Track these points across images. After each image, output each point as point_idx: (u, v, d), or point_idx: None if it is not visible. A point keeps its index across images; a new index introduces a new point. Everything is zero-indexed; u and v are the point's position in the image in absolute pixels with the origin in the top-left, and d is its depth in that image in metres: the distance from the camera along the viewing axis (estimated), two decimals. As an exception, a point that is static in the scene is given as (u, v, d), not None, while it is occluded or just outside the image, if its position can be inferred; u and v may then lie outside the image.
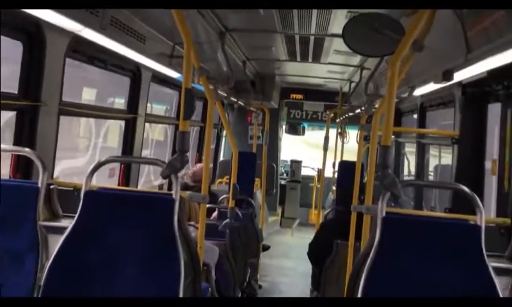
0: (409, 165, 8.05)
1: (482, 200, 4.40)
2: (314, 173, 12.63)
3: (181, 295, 2.35)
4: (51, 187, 3.06)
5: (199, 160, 8.02)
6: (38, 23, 2.99)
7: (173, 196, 2.45)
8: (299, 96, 11.27)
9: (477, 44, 2.96)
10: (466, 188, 2.52)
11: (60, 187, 3.27)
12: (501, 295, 2.31)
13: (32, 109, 3.21)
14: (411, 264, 2.38)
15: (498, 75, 3.53)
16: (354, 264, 2.86)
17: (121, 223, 2.47)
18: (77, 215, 2.44)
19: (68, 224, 2.49)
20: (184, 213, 2.64)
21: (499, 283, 2.36)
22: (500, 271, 2.58)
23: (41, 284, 2.40)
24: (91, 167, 2.53)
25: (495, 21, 2.60)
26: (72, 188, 3.41)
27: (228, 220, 4.57)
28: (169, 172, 2.44)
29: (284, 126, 12.85)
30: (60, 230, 2.57)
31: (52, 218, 3.04)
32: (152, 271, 2.41)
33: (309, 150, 17.88)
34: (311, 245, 5.06)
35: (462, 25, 3.02)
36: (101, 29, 3.11)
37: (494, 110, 4.25)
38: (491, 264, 2.38)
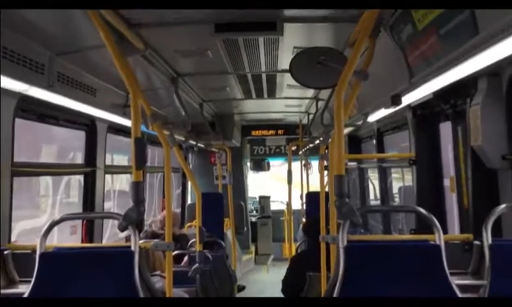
0: (375, 190, 8.15)
1: (444, 218, 4.50)
2: (284, 207, 12.65)
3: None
4: (5, 252, 2.96)
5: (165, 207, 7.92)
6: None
7: (132, 248, 2.41)
8: (261, 132, 11.35)
9: (418, 68, 3.06)
10: (422, 210, 2.56)
11: (17, 251, 3.17)
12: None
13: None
14: (376, 289, 2.39)
15: (443, 95, 3.65)
16: (324, 295, 2.85)
17: (80, 282, 2.41)
18: (33, 280, 2.37)
19: (25, 289, 2.41)
20: (144, 264, 2.58)
21: (464, 299, 2.38)
22: (465, 288, 2.60)
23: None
24: (45, 227, 2.47)
25: (432, 45, 2.70)
26: (30, 251, 3.31)
27: (197, 264, 4.49)
28: (126, 224, 2.41)
29: (249, 164, 12.88)
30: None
31: (8, 285, 2.94)
32: (116, 328, 2.34)
33: (278, 184, 17.93)
34: (284, 281, 5.02)
35: (402, 51, 3.13)
36: (48, 86, 3.08)
37: (446, 129, 4.36)
38: (455, 281, 2.41)
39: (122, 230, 2.47)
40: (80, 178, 4.99)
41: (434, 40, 2.59)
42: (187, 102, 5.64)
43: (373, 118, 4.86)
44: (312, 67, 3.33)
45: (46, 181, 5.49)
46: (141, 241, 4.30)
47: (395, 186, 6.73)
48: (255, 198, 13.25)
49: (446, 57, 2.58)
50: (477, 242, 3.34)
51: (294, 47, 3.91)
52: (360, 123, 4.97)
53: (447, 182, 4.52)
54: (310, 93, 6.48)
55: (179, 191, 9.24)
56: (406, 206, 4.90)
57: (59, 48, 3.11)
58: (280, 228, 12.29)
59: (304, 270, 4.59)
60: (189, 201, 9.58)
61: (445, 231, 4.29)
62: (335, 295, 2.39)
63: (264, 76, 5.33)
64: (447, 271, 2.36)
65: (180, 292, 4.10)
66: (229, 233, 8.49)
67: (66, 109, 3.78)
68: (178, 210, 8.56)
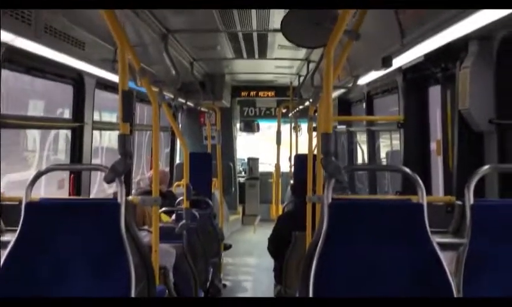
0: (363, 154, 8.21)
1: (429, 180, 4.56)
2: (272, 169, 12.71)
3: (133, 299, 2.32)
4: (-9, 202, 2.97)
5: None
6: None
7: (119, 200, 2.42)
8: (251, 93, 11.30)
9: (410, 29, 3.04)
10: (407, 169, 2.59)
11: (4, 202, 3.18)
12: (446, 269, 2.38)
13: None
14: (359, 246, 2.43)
15: (434, 59, 3.64)
16: (306, 252, 2.90)
17: (66, 233, 2.42)
18: (19, 228, 2.38)
19: (11, 238, 2.42)
20: (131, 217, 2.60)
21: (444, 257, 2.44)
22: (445, 246, 2.65)
23: None
24: (31, 177, 2.47)
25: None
26: (17, 202, 3.31)
27: (183, 221, 4.54)
28: (113, 176, 2.41)
29: (238, 125, 12.87)
30: (4, 245, 2.50)
31: (-5, 234, 2.96)
32: (102, 278, 2.38)
33: (268, 145, 17.97)
34: (270, 239, 5.09)
35: (395, 11, 3.10)
36: (35, 38, 3.03)
37: (435, 93, 4.38)
38: (436, 240, 2.46)
39: (108, 182, 2.48)
40: (68, 133, 4.97)
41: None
42: (177, 60, 5.59)
43: (363, 80, 4.86)
44: (304, 26, 3.30)
45: (33, 136, 5.45)
46: (130, 197, 4.33)
47: (383, 151, 6.79)
48: (244, 159, 13.30)
49: (438, 17, 2.57)
50: (459, 202, 3.40)
51: (286, 5, 3.86)
52: (350, 85, 4.96)
53: (433, 146, 4.56)
54: (302, 54, 6.44)
55: (168, 150, 9.23)
56: (392, 165, 4.95)
57: (47, -1, 3.05)
58: (268, 190, 12.37)
59: (289, 230, 4.66)
60: (177, 161, 9.61)
61: (430, 194, 4.36)
62: (317, 253, 2.42)
63: (255, 35, 5.28)
64: (428, 229, 2.41)
65: (167, 247, 4.16)
66: (217, 193, 8.54)
67: (53, 62, 3.72)
68: (167, 169, 8.58)
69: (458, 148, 3.49)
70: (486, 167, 2.54)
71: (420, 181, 2.48)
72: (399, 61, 3.68)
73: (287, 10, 3.93)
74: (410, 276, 2.38)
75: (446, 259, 2.46)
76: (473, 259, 2.37)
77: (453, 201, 3.50)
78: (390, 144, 6.57)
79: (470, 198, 2.40)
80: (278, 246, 4.93)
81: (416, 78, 4.38)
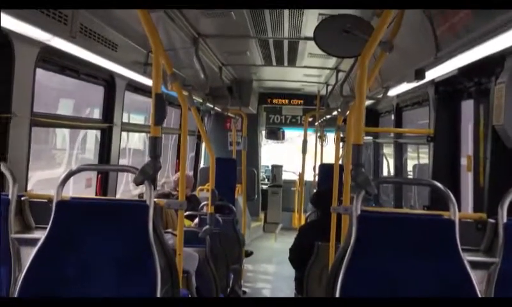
0: (389, 166, 8.12)
1: (459, 196, 4.48)
2: (296, 177, 12.67)
3: (158, 302, 2.32)
4: (22, 198, 3.01)
5: (179, 168, 7.97)
6: (5, 33, 2.95)
7: (147, 202, 2.43)
8: (278, 101, 11.30)
9: (446, 42, 2.99)
10: (439, 184, 2.54)
11: (33, 199, 3.22)
12: (477, 288, 2.33)
13: (2, 120, 3.16)
14: (387, 260, 2.39)
15: (468, 72, 3.58)
16: (332, 264, 2.87)
17: (94, 233, 2.44)
18: (49, 226, 2.40)
19: (41, 235, 2.45)
20: (159, 220, 2.61)
21: (475, 276, 2.39)
22: (475, 264, 2.60)
23: (15, 296, 2.36)
24: (62, 176, 2.50)
25: (462, 18, 2.64)
26: (46, 200, 3.35)
27: (207, 226, 4.54)
28: (142, 178, 2.42)
29: (264, 132, 12.87)
30: (33, 242, 2.53)
31: (25, 230, 2.99)
32: (128, 280, 2.38)
33: (294, 154, 17.95)
34: (291, 250, 5.05)
35: (431, 23, 3.06)
36: (71, 38, 3.07)
37: (467, 107, 4.30)
38: (467, 258, 2.40)
39: (138, 184, 2.49)
40: (97, 134, 5.03)
41: (465, 13, 2.53)
42: (206, 64, 5.62)
43: (394, 92, 4.80)
44: (337, 35, 3.28)
45: (63, 135, 5.54)
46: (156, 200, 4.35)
47: (410, 164, 6.70)
48: (268, 167, 13.28)
49: (476, 31, 2.52)
50: (491, 220, 3.32)
51: (319, 14, 3.84)
52: (380, 96, 4.91)
53: (463, 162, 4.48)
54: (331, 63, 6.40)
55: (192, 155, 9.28)
56: (423, 179, 4.87)
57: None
58: (290, 198, 12.34)
59: (312, 240, 4.62)
60: (201, 165, 9.65)
61: (459, 210, 4.27)
62: (344, 264, 2.39)
63: (285, 42, 5.27)
64: (459, 246, 2.36)
65: (190, 251, 4.17)
66: (240, 199, 8.54)
67: (86, 62, 3.78)
68: (191, 173, 8.63)
69: (491, 165, 3.42)
70: (521, 186, 2.48)
71: (452, 197, 2.44)
72: (432, 74, 3.62)
73: (320, 18, 3.92)
74: (439, 294, 2.33)
75: (476, 278, 2.41)
76: (505, 279, 2.32)
77: (484, 219, 3.42)
78: (417, 157, 6.48)
79: (503, 216, 2.35)
80: (299, 256, 4.89)
81: (449, 91, 4.31)
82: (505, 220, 2.35)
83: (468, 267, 2.33)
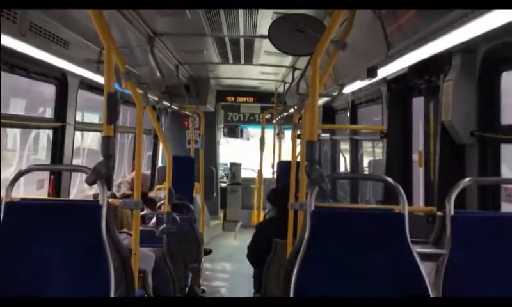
0: (346, 162, 8.26)
1: (411, 190, 4.60)
2: (255, 175, 12.71)
3: (112, 303, 2.29)
4: (-31, 199, 2.91)
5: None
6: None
7: (100, 202, 2.40)
8: (236, 99, 11.32)
9: (396, 41, 3.08)
10: (390, 179, 2.61)
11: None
12: (426, 279, 2.40)
13: None
14: (340, 254, 2.44)
15: (418, 70, 3.69)
16: (288, 259, 2.90)
17: (46, 234, 2.39)
18: (-2, 229, 2.34)
19: (-12, 238, 2.38)
20: (113, 219, 2.58)
21: (424, 268, 2.46)
22: (425, 256, 2.67)
23: None
24: (11, 177, 2.43)
25: (411, 18, 2.72)
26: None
27: (164, 225, 4.51)
28: (95, 178, 2.39)
29: (222, 130, 12.85)
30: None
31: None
32: (81, 281, 2.35)
33: (253, 151, 17.98)
34: (249, 247, 5.05)
35: (381, 23, 3.14)
36: (20, 36, 2.99)
37: (418, 104, 4.43)
38: (417, 249, 2.48)
39: (90, 184, 2.45)
40: (50, 134, 4.91)
41: (413, 13, 2.61)
42: (162, 62, 5.57)
43: (348, 89, 4.89)
44: (291, 34, 3.32)
45: (14, 134, 5.38)
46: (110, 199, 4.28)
47: (366, 160, 6.83)
48: (226, 164, 13.28)
49: (423, 30, 2.60)
50: (439, 213, 3.43)
51: (274, 13, 3.88)
52: (335, 93, 4.99)
53: (415, 157, 4.61)
54: (287, 61, 6.46)
55: (150, 153, 9.18)
56: (374, 174, 4.99)
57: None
58: (250, 196, 12.37)
59: (270, 237, 4.63)
60: (159, 164, 9.56)
61: (411, 204, 4.39)
62: (298, 259, 2.42)
63: (241, 40, 5.29)
64: (409, 239, 2.43)
65: (146, 251, 4.12)
66: (198, 197, 8.51)
67: (37, 61, 3.68)
68: (148, 172, 8.53)
69: (440, 160, 3.53)
70: (467, 179, 2.58)
71: (402, 191, 2.50)
72: (384, 72, 3.72)
73: (275, 17, 3.96)
74: (390, 285, 2.39)
75: (426, 269, 2.49)
76: (452, 270, 2.40)
77: (434, 212, 3.53)
78: (372, 153, 6.62)
79: (450, 210, 2.43)
80: (257, 254, 4.88)
81: (400, 89, 4.43)
82: (452, 213, 2.43)
83: (417, 259, 2.40)
